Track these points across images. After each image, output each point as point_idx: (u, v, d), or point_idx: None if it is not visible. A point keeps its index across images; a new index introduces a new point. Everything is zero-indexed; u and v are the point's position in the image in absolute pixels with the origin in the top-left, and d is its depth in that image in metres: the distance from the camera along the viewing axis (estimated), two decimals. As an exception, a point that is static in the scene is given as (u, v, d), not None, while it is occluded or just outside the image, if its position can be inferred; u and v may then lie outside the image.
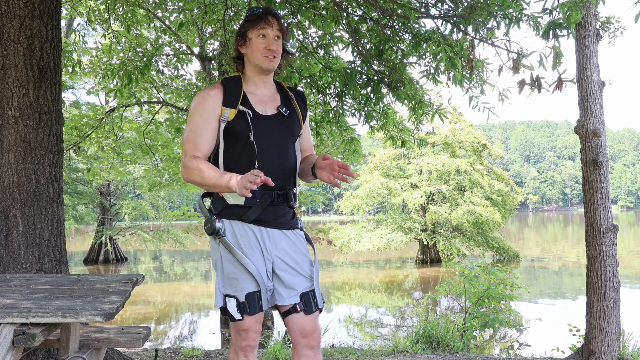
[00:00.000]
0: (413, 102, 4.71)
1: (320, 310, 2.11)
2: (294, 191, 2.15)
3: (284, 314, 2.08)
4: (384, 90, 4.68)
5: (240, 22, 2.42)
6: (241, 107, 2.05)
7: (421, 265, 20.25)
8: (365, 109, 5.23)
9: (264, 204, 2.04)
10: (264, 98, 2.13)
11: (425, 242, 20.35)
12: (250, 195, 1.81)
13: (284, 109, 2.13)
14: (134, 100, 8.98)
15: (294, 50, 2.24)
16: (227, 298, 2.03)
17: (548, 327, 9.69)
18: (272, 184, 1.85)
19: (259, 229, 2.05)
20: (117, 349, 3.46)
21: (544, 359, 4.73)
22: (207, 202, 2.19)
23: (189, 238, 20.99)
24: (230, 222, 2.05)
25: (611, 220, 4.08)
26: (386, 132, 5.87)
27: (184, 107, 9.19)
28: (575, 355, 4.23)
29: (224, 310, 2.04)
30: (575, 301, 12.48)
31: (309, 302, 2.06)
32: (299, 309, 2.04)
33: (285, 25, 2.18)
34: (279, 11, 2.19)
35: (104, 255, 22.00)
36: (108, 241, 21.87)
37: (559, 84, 3.49)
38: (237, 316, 2.01)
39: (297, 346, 2.09)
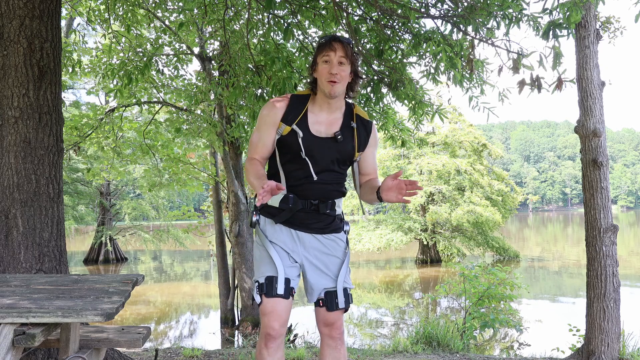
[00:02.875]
0: (413, 102, 4.71)
1: (346, 310, 2.28)
2: (334, 201, 2.30)
3: (315, 305, 2.29)
4: (384, 90, 4.68)
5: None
6: (295, 127, 2.23)
7: (421, 265, 20.24)
8: (365, 109, 5.23)
9: (294, 209, 2.23)
10: (324, 120, 2.28)
11: (425, 242, 20.35)
12: (262, 201, 1.98)
13: (339, 136, 2.25)
14: (134, 100, 8.97)
15: (364, 76, 2.45)
16: (255, 284, 2.23)
17: (548, 327, 9.69)
18: (283, 189, 2.01)
19: (289, 230, 2.26)
20: (117, 349, 3.46)
21: (544, 359, 4.73)
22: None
23: (189, 238, 20.97)
24: (266, 220, 2.29)
25: (611, 220, 4.08)
26: (386, 132, 5.87)
27: (184, 107, 9.19)
28: (575, 355, 4.23)
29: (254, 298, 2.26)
30: (575, 301, 12.48)
31: (331, 301, 2.24)
32: (321, 304, 2.25)
33: (355, 51, 2.30)
34: (348, 39, 2.27)
35: (104, 255, 21.99)
36: (108, 241, 21.86)
37: (559, 84, 3.49)
38: (258, 299, 2.19)
39: (321, 334, 2.32)
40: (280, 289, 2.16)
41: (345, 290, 2.26)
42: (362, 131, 2.33)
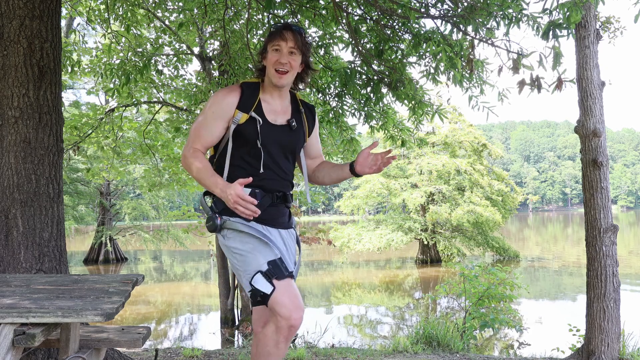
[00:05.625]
0: (413, 102, 4.71)
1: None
2: (290, 193, 2.27)
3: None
4: (384, 90, 4.67)
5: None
6: (253, 114, 2.13)
7: (421, 265, 20.24)
8: (365, 109, 5.22)
9: (265, 205, 2.12)
10: (277, 108, 2.21)
11: (425, 242, 20.34)
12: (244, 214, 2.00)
13: (293, 123, 2.21)
14: (134, 100, 8.97)
15: (317, 67, 2.44)
16: (253, 279, 2.00)
17: (548, 327, 9.69)
18: (256, 201, 2.00)
19: (261, 226, 2.13)
20: (117, 349, 3.46)
21: (544, 359, 4.73)
22: (209, 200, 2.23)
23: (189, 238, 20.96)
24: (232, 218, 2.11)
25: (611, 220, 4.08)
26: (386, 132, 5.86)
27: (184, 107, 9.19)
28: (575, 355, 4.23)
29: (254, 294, 2.00)
30: (575, 301, 12.48)
31: None
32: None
33: (307, 41, 2.22)
34: (300, 28, 2.18)
35: (104, 255, 21.98)
36: (108, 241, 21.85)
37: (559, 84, 3.49)
38: (268, 288, 1.96)
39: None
40: (291, 266, 2.10)
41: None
42: (309, 116, 2.32)
